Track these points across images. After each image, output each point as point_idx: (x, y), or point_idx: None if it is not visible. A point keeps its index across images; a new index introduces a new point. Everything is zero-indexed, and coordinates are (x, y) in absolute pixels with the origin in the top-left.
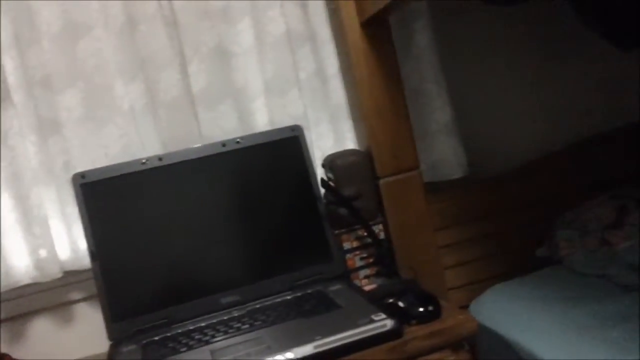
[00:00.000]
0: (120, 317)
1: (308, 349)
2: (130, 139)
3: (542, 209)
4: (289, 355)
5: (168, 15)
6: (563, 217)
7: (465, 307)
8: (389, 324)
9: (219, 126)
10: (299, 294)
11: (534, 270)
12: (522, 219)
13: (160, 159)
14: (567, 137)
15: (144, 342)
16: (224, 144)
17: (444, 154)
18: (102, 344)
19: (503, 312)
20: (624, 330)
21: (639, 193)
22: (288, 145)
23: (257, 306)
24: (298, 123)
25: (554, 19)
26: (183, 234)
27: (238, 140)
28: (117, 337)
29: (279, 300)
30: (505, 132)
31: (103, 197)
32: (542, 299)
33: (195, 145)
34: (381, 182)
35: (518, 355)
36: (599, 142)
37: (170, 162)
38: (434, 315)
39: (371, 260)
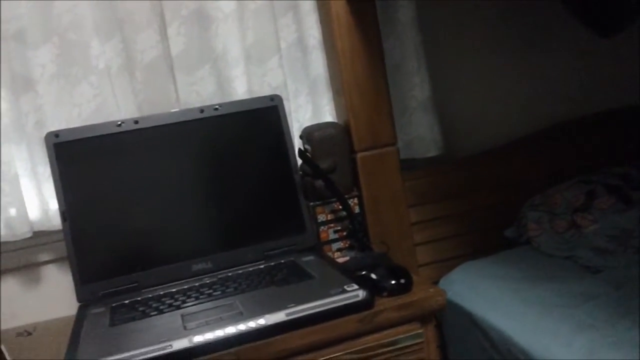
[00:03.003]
0: (90, 279)
1: (280, 316)
2: (104, 99)
3: (514, 191)
4: (261, 321)
5: None
6: (533, 199)
7: (434, 283)
8: (361, 294)
9: (197, 92)
10: (271, 264)
11: (502, 249)
12: (494, 199)
13: (136, 122)
14: (541, 122)
15: (113, 305)
16: (202, 110)
17: (421, 131)
18: (71, 307)
19: (471, 289)
20: (588, 309)
21: (607, 179)
22: (266, 115)
23: (229, 274)
24: (277, 93)
25: (536, 4)
26: (156, 199)
27: (216, 107)
28: (86, 299)
29: (251, 269)
30: (481, 114)
31: (76, 158)
32: (510, 277)
33: (173, 110)
34: (358, 156)
35: (484, 331)
36: (573, 128)
37: (146, 125)
38: (406, 288)
39: (344, 233)
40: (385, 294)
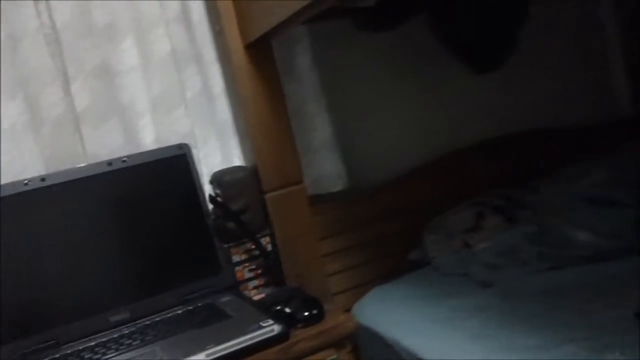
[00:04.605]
0: (6, 339)
1: (201, 358)
2: (11, 158)
3: (419, 216)
4: None
5: (50, 32)
6: (431, 223)
7: (349, 310)
8: (276, 328)
9: (105, 145)
10: (189, 308)
11: (409, 272)
12: (401, 225)
13: (43, 179)
14: (438, 151)
15: None
16: (109, 163)
17: (325, 168)
18: None
19: (380, 312)
20: (480, 320)
21: (493, 200)
22: (175, 164)
23: (148, 322)
24: (185, 141)
25: (430, 40)
26: (70, 254)
27: (124, 159)
28: None
29: (169, 315)
30: (383, 147)
31: None
32: (414, 298)
33: (80, 165)
34: (267, 196)
35: (394, 350)
36: (467, 154)
37: (53, 182)
38: (318, 317)
39: (259, 271)
40: (299, 325)
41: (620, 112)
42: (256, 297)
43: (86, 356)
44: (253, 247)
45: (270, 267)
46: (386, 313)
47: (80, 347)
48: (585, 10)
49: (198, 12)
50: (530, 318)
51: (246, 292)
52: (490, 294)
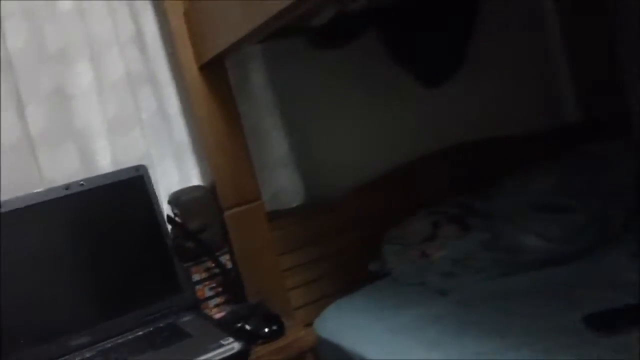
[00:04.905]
0: None
1: None
2: None
3: (375, 227)
4: None
5: (2, 57)
6: (389, 233)
7: (312, 323)
8: (236, 346)
9: (61, 169)
10: (150, 329)
11: (370, 283)
12: (358, 237)
13: None
14: (392, 163)
15: None
16: (67, 187)
17: (282, 184)
18: None
19: (342, 325)
20: (438, 329)
21: (449, 209)
22: (133, 185)
23: (109, 345)
24: (142, 162)
25: (380, 58)
26: (28, 280)
27: (82, 182)
28: None
29: (130, 336)
30: (339, 161)
31: None
32: (374, 309)
33: (36, 190)
34: (226, 214)
35: None
36: (424, 163)
37: (9, 209)
38: (278, 333)
39: (220, 289)
40: (260, 341)
41: (566, 118)
42: (217, 315)
43: None
44: (213, 265)
45: (231, 285)
46: (347, 325)
47: None
48: (531, 18)
49: (152, 33)
50: (485, 324)
51: (207, 311)
52: (447, 302)
